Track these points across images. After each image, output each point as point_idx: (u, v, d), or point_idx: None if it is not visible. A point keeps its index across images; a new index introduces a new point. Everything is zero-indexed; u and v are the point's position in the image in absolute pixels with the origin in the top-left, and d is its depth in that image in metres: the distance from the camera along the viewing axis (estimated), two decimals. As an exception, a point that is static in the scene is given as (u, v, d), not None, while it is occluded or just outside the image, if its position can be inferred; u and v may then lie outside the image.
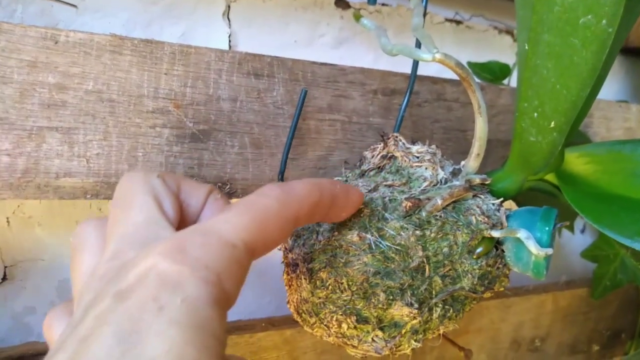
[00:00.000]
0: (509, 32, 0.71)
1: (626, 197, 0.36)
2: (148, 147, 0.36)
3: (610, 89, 0.83)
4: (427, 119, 0.48)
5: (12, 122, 0.32)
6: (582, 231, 0.77)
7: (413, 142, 0.39)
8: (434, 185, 0.36)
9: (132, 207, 0.24)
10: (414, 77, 0.42)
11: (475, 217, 0.35)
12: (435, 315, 0.34)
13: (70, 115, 0.34)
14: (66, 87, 0.33)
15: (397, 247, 0.33)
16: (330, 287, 0.33)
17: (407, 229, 0.33)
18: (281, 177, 0.39)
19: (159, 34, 0.47)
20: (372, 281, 0.32)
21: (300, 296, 0.35)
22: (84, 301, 0.21)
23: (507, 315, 0.58)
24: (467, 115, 0.50)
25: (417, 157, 0.37)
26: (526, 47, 0.30)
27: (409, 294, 0.33)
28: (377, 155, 0.39)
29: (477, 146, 0.36)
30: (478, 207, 0.36)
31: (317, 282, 0.34)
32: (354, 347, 0.35)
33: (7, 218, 0.41)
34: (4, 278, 0.42)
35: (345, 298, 0.33)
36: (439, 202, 0.34)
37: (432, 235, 0.34)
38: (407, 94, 0.41)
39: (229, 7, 0.50)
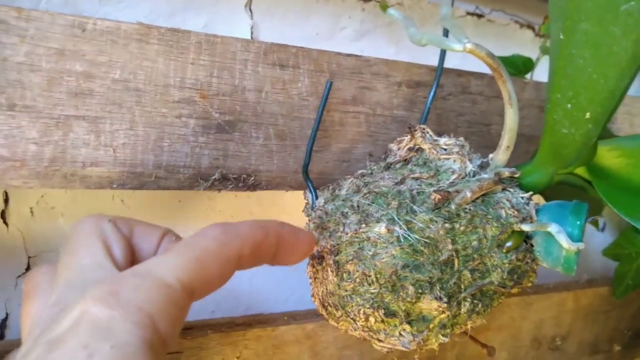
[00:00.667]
0: (530, 27, 0.70)
1: (659, 191, 0.35)
2: (174, 137, 0.36)
3: (634, 85, 0.82)
4: (452, 112, 0.47)
5: (39, 111, 0.32)
6: (602, 229, 0.76)
7: (439, 135, 0.38)
8: (462, 178, 0.36)
9: (79, 251, 0.25)
10: (440, 69, 0.41)
11: (505, 211, 0.34)
12: (463, 310, 0.34)
13: (97, 104, 0.33)
14: (93, 75, 0.33)
15: (426, 240, 0.32)
16: (357, 279, 0.33)
17: (437, 221, 0.33)
18: (306, 170, 0.39)
19: (182, 25, 0.47)
20: (401, 274, 0.32)
21: (326, 289, 0.35)
22: (22, 350, 0.21)
23: (528, 312, 0.58)
24: (491, 109, 0.49)
25: (445, 150, 0.37)
26: (561, 37, 0.29)
27: (438, 288, 0.32)
28: (404, 147, 0.38)
29: (507, 138, 0.35)
30: (508, 200, 0.35)
31: (344, 275, 0.33)
32: (380, 341, 0.35)
33: (31, 208, 0.41)
34: (28, 268, 0.42)
35: (373, 291, 0.32)
36: (469, 194, 0.33)
37: (462, 228, 0.33)
38: (434, 86, 0.41)
39: (251, -2, 0.50)
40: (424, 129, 0.38)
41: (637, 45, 0.26)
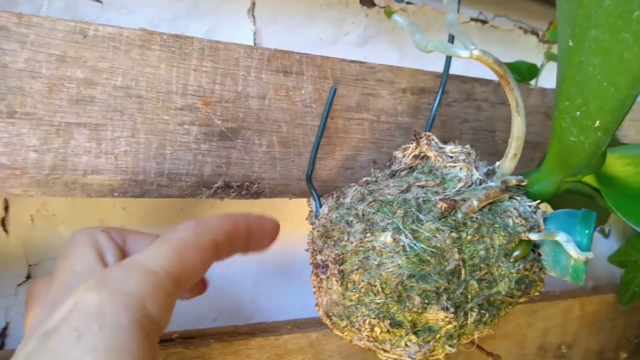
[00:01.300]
0: (535, 33, 0.70)
1: (668, 200, 0.35)
2: (176, 144, 0.35)
3: None
4: (456, 119, 0.47)
5: (40, 118, 0.32)
6: (608, 236, 0.76)
7: (445, 142, 0.38)
8: (468, 186, 0.35)
9: (73, 259, 0.26)
10: (446, 75, 0.40)
11: (512, 220, 0.34)
12: (470, 320, 0.33)
13: (99, 111, 0.33)
14: (94, 82, 0.33)
15: (433, 250, 0.32)
16: (362, 289, 0.32)
17: (443, 230, 0.32)
18: (309, 178, 0.39)
19: (184, 31, 0.47)
20: (407, 284, 0.31)
21: (331, 299, 0.34)
22: (21, 344, 0.22)
23: (533, 320, 0.57)
24: (496, 116, 0.49)
25: (451, 157, 0.36)
26: (570, 44, 0.29)
27: (445, 298, 0.32)
28: (409, 154, 0.38)
29: (514, 146, 0.35)
30: (515, 209, 0.34)
31: (349, 285, 0.33)
32: (385, 351, 0.34)
33: (31, 216, 0.41)
34: (28, 276, 0.41)
35: (378, 301, 0.32)
36: (475, 203, 0.33)
37: (469, 237, 0.33)
38: (440, 92, 0.40)
39: (253, 4, 0.49)
40: (429, 136, 0.37)
41: (649, 52, 0.25)
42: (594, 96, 0.29)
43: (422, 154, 0.37)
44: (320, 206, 0.38)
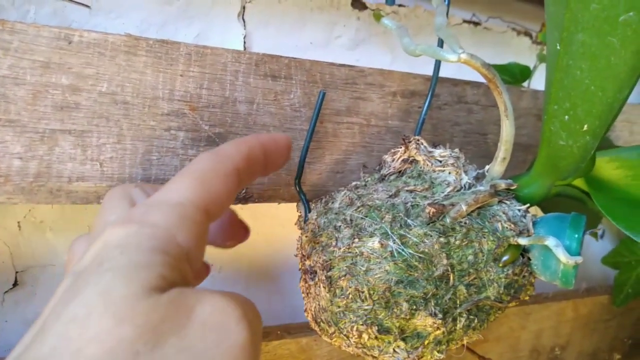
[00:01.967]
0: (528, 34, 0.69)
1: (658, 203, 0.35)
2: (163, 150, 0.35)
3: (634, 92, 0.81)
4: (447, 122, 0.46)
5: (24, 125, 0.31)
6: (601, 237, 0.75)
7: (434, 146, 0.38)
8: (457, 191, 0.35)
9: (107, 212, 0.26)
10: (435, 78, 0.40)
11: (501, 224, 0.34)
12: (459, 326, 0.33)
13: (84, 117, 0.33)
14: (80, 88, 0.33)
15: (421, 255, 0.31)
16: (350, 296, 0.32)
17: (431, 236, 0.32)
18: (298, 182, 0.38)
19: (174, 35, 0.46)
20: (395, 290, 0.31)
21: (319, 305, 0.34)
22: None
23: (526, 322, 0.57)
24: (487, 119, 0.49)
25: (440, 161, 0.36)
26: (558, 47, 0.29)
27: (433, 304, 0.32)
28: (398, 159, 0.37)
29: (504, 150, 0.34)
30: (504, 213, 0.34)
31: (337, 291, 0.32)
32: (374, 357, 0.34)
33: (18, 222, 0.41)
34: (15, 284, 0.41)
35: (366, 307, 0.32)
36: (464, 208, 0.33)
37: (457, 242, 0.32)
38: (429, 96, 0.40)
39: (244, 8, 0.49)
40: (418, 140, 0.37)
41: (636, 56, 0.25)
42: (581, 100, 0.29)
43: (411, 158, 0.37)
44: (309, 211, 0.37)
